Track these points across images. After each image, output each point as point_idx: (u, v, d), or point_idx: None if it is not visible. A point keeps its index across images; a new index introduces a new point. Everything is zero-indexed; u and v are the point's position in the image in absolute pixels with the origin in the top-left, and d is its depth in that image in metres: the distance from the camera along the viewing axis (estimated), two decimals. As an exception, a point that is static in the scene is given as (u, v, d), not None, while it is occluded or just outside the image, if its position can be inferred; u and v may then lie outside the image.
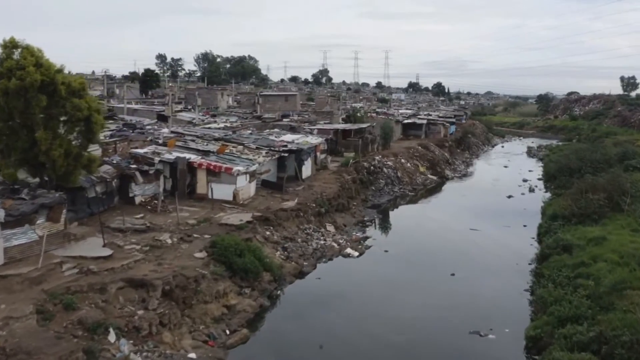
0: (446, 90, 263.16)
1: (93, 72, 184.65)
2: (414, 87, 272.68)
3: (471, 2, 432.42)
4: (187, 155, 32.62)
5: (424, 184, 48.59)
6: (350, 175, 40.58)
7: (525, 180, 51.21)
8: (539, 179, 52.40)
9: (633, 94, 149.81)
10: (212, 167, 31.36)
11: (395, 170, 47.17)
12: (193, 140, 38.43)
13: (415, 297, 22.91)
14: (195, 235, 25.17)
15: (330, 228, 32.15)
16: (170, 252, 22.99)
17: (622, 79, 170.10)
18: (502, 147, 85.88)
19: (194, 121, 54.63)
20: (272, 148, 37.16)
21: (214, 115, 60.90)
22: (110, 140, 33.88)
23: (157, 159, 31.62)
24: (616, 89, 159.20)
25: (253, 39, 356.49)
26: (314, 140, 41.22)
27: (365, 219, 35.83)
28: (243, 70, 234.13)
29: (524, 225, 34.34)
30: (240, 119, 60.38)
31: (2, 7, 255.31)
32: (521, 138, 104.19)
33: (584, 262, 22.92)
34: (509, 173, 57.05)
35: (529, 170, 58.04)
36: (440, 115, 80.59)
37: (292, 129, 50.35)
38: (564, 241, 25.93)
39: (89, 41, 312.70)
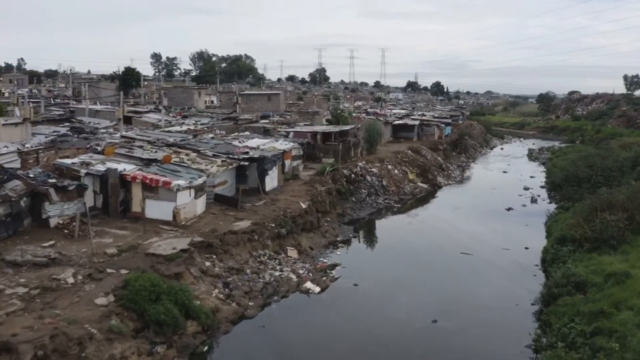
0: (445, 90, 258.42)
1: (89, 72, 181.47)
2: (412, 87, 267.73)
3: (471, 2, 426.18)
4: (120, 167, 27.17)
5: (413, 193, 43.04)
6: (325, 185, 35.07)
7: (526, 189, 45.62)
8: (542, 187, 46.82)
9: (637, 92, 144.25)
10: (147, 181, 25.87)
11: (380, 179, 41.65)
12: (141, 147, 33.01)
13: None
14: (109, 271, 19.72)
15: (292, 253, 26.66)
16: (67, 297, 17.59)
17: (625, 77, 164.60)
18: (502, 149, 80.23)
19: (159, 123, 49.28)
20: (230, 156, 31.68)
21: (185, 117, 55.48)
22: (31, 149, 28.41)
23: (83, 171, 26.16)
24: (619, 88, 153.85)
25: (252, 39, 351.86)
26: (283, 145, 35.73)
27: (338, 239, 30.32)
28: (239, 69, 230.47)
29: (526, 248, 28.79)
30: (215, 120, 54.94)
31: (2, 7, 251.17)
32: (521, 139, 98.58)
33: (603, 311, 17.41)
34: (508, 179, 51.49)
35: (531, 177, 52.45)
36: (435, 115, 75.00)
37: (266, 132, 44.96)
38: (576, 277, 20.44)
39: (88, 41, 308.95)
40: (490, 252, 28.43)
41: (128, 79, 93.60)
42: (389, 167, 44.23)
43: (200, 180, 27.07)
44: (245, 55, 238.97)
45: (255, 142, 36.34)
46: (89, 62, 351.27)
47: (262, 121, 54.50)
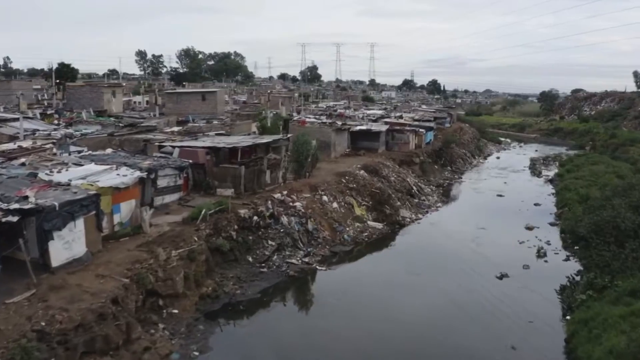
0: (442, 88, 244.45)
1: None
2: (408, 85, 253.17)
3: (470, 0, 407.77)
4: None
5: (358, 239, 28.10)
6: (186, 245, 20.29)
7: (529, 229, 30.72)
8: (552, 224, 31.94)
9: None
10: None
11: (305, 219, 26.85)
12: None
13: None
14: None
15: None
16: None
17: (635, 74, 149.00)
18: (498, 158, 64.93)
19: (18, 134, 34.67)
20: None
21: (70, 124, 40.67)
22: None
23: None
24: (621, 86, 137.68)
25: (249, 37, 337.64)
26: (117, 178, 20.87)
27: (168, 366, 15.57)
28: (225, 67, 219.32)
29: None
30: (110, 128, 40.10)
31: (2, 7, 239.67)
32: (522, 144, 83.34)
33: None
34: (504, 209, 36.42)
35: (535, 204, 37.47)
36: (416, 117, 59.90)
37: (145, 148, 30.39)
38: None
39: (89, 40, 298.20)
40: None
41: (63, 77, 78.64)
42: (325, 198, 29.40)
43: None
44: (235, 52, 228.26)
45: (83, 170, 21.57)
46: (85, 61, 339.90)
47: (172, 129, 39.84)
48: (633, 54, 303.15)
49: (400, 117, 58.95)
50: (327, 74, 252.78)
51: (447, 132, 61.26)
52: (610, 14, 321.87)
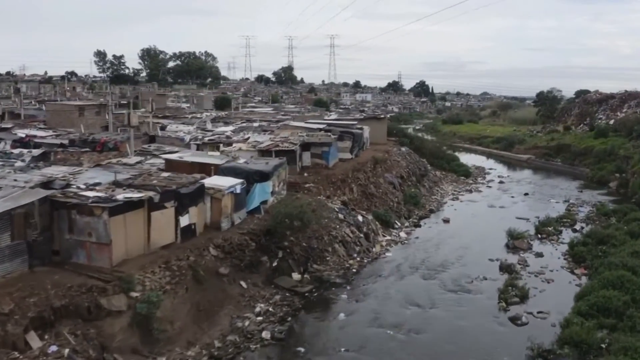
0: (430, 90, 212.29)
1: (45, 73, 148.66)
2: (394, 87, 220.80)
3: (470, 3, 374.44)
4: None
5: None
6: None
7: None
8: None
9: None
10: None
11: None
12: None
13: None
14: None
15: None
16: None
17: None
18: (446, 222, 31.21)
19: None
20: None
21: None
22: None
23: None
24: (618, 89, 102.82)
25: (242, 39, 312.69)
26: None
27: None
28: (187, 67, 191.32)
29: None
30: None
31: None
32: (503, 178, 49.61)
33: None
34: None
35: None
36: (263, 145, 26.80)
37: None
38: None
39: (85, 41, 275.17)
40: None
41: None
42: None
43: None
44: (207, 52, 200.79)
45: None
46: (83, 63, 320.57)
47: None
48: (635, 57, 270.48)
49: (230, 144, 26.14)
50: (321, 77, 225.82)
51: (331, 174, 28.28)
52: (613, 17, 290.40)
